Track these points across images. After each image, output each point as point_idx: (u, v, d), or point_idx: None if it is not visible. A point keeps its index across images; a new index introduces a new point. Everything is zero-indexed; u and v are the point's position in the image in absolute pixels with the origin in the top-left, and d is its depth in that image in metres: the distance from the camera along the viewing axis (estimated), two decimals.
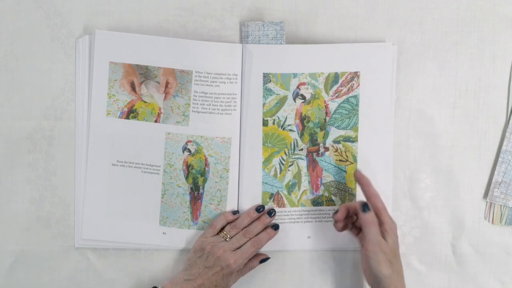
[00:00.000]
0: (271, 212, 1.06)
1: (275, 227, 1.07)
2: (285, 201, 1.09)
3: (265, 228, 1.06)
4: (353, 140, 1.08)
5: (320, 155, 1.08)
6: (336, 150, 1.08)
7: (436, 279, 1.11)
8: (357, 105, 1.07)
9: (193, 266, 1.02)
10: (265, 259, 1.08)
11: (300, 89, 1.07)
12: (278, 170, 1.08)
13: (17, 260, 1.11)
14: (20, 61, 1.08)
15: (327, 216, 1.09)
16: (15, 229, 1.10)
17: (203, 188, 1.08)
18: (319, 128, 1.08)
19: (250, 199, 1.08)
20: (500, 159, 1.09)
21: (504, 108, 1.10)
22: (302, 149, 1.08)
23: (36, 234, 1.10)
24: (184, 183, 1.08)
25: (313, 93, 1.07)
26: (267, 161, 1.08)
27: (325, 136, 1.08)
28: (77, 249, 1.11)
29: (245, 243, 1.04)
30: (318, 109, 1.08)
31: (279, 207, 1.09)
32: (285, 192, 1.09)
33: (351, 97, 1.07)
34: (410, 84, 1.09)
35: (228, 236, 1.04)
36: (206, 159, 1.07)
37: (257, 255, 1.08)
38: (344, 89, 1.07)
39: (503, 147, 1.09)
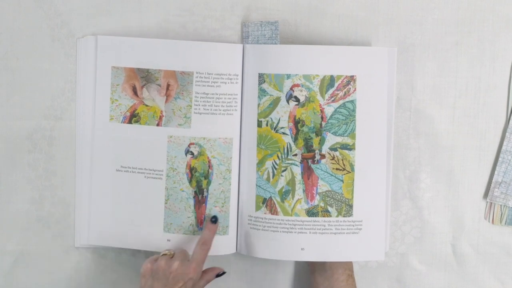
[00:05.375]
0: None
1: (214, 219, 1.05)
2: (278, 209, 1.06)
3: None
4: (351, 147, 1.05)
5: (315, 162, 1.05)
6: (333, 158, 1.05)
7: (436, 279, 1.11)
8: (354, 110, 1.04)
9: None
10: (221, 274, 1.04)
11: (293, 91, 1.05)
12: (271, 174, 1.06)
13: (17, 260, 1.11)
14: (20, 61, 1.08)
15: (322, 228, 1.05)
16: (15, 229, 1.10)
17: (207, 191, 1.07)
18: (314, 134, 1.05)
19: (245, 201, 1.07)
20: (500, 159, 1.09)
21: (504, 108, 1.10)
22: (296, 155, 1.05)
23: (36, 234, 1.11)
24: (188, 187, 1.07)
25: (307, 95, 1.05)
26: (260, 163, 1.06)
27: (321, 142, 1.05)
28: (77, 249, 1.11)
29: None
30: (313, 113, 1.05)
31: (271, 214, 1.06)
32: (278, 199, 1.06)
33: (347, 102, 1.04)
34: (410, 84, 1.09)
35: (171, 252, 1.00)
36: (209, 161, 1.07)
37: (212, 268, 1.04)
38: (341, 93, 1.04)
39: (503, 147, 1.09)
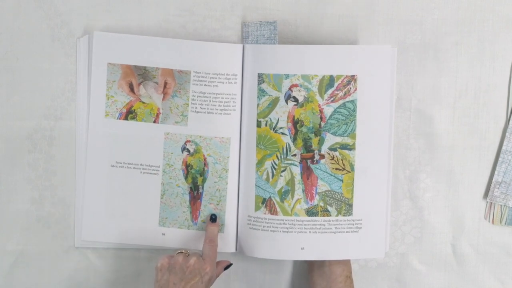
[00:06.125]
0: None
1: (213, 217, 1.06)
2: (278, 209, 1.05)
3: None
4: (350, 147, 1.04)
5: (315, 162, 1.05)
6: (333, 158, 1.05)
7: (436, 279, 1.11)
8: (354, 110, 1.04)
9: (167, 284, 0.98)
10: (228, 266, 1.06)
11: (292, 91, 1.04)
12: (270, 174, 1.05)
13: (17, 260, 1.11)
14: (20, 61, 1.09)
15: (322, 227, 1.05)
16: (15, 229, 1.10)
17: (202, 188, 1.08)
18: (313, 134, 1.05)
19: (245, 201, 1.07)
20: (500, 159, 1.09)
21: (504, 108, 1.10)
22: (295, 155, 1.05)
23: (36, 234, 1.11)
24: (184, 183, 1.08)
25: (306, 95, 1.04)
26: (260, 163, 1.05)
27: (320, 142, 1.05)
28: (77, 249, 1.11)
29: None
30: (312, 113, 1.05)
31: (271, 214, 1.05)
32: (278, 199, 1.05)
33: (348, 102, 1.04)
34: (410, 84, 1.09)
35: (187, 250, 1.02)
36: (205, 159, 1.07)
37: (219, 262, 1.04)
38: (340, 93, 1.04)
39: (503, 147, 1.09)
